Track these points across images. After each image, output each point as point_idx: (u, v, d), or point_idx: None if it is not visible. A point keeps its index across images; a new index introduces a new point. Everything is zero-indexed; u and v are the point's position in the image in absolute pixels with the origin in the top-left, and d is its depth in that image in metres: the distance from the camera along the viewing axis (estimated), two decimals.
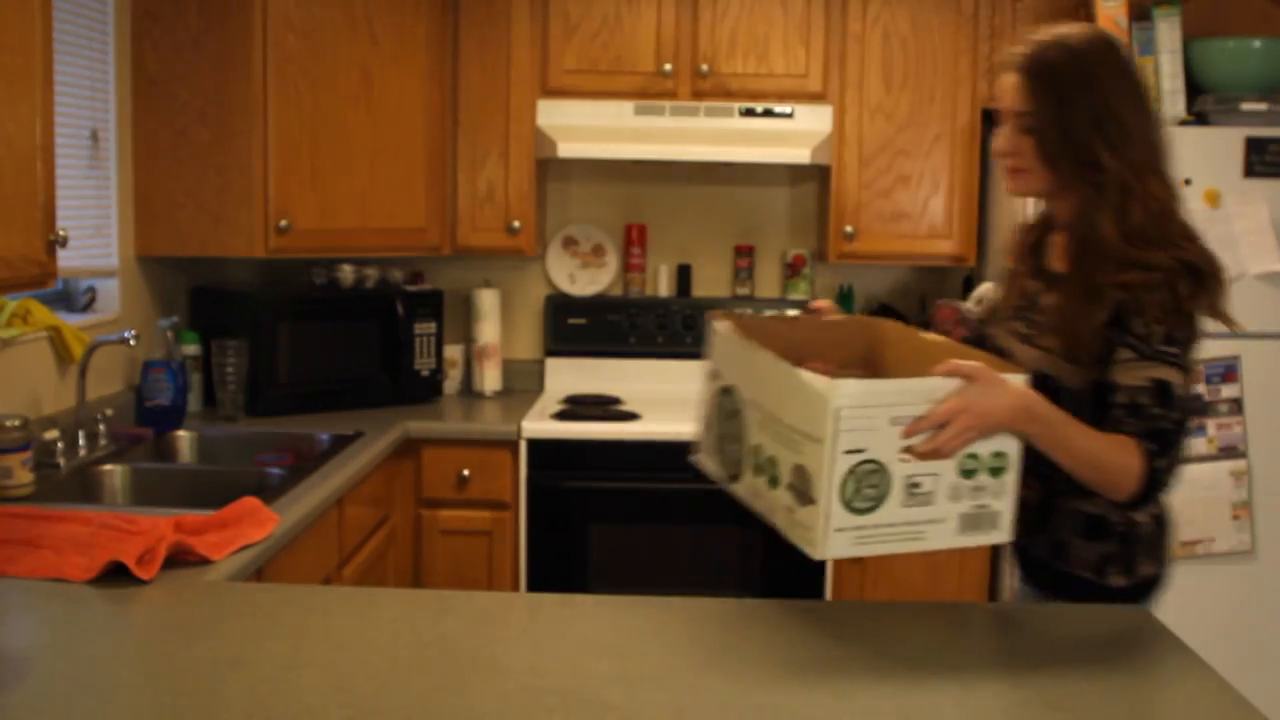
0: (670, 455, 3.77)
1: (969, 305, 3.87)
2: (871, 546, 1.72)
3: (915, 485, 1.73)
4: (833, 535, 1.68)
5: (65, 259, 3.11)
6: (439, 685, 1.58)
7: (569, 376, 4.39)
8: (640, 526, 3.80)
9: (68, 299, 3.54)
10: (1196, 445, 3.64)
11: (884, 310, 4.42)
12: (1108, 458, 1.90)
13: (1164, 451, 1.96)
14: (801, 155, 4.05)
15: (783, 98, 4.07)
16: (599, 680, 1.61)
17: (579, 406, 4.04)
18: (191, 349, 3.77)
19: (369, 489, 3.30)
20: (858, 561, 3.78)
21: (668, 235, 4.49)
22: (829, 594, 3.77)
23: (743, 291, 4.44)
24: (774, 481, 1.78)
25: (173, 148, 3.63)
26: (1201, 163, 3.60)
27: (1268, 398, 3.64)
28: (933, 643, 1.79)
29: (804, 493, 1.70)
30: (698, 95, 4.08)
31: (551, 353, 4.39)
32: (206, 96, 3.62)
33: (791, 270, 4.42)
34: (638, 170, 4.43)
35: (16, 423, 2.70)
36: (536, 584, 3.79)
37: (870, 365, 2.16)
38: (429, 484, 3.76)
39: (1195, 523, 3.65)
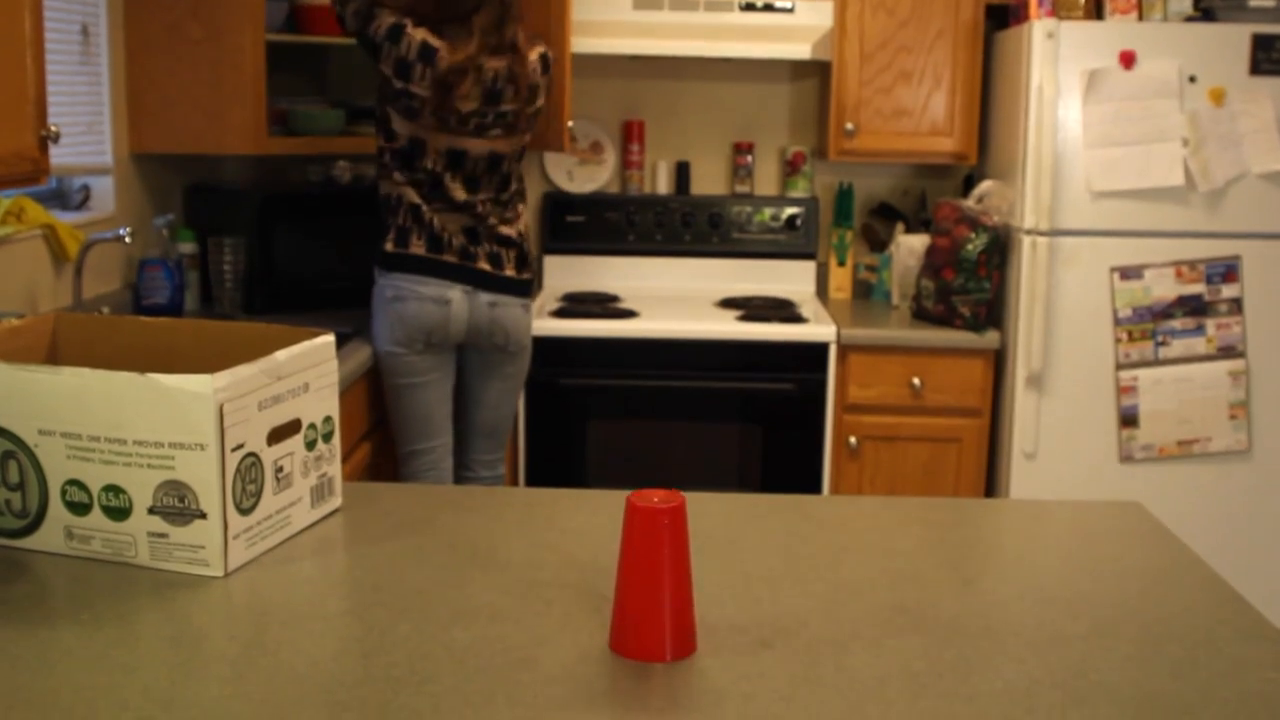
0: (668, 352, 3.78)
1: (970, 203, 3.85)
2: (257, 546, 1.65)
3: (280, 469, 1.68)
4: (232, 544, 1.59)
5: (58, 156, 3.09)
6: (437, 579, 1.59)
7: (567, 274, 4.38)
8: (638, 423, 3.82)
9: (62, 198, 3.51)
10: (1194, 345, 3.64)
11: (884, 209, 4.40)
12: None
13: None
14: (802, 51, 4.00)
15: None
16: (597, 573, 1.62)
17: (577, 304, 4.04)
18: (188, 247, 3.75)
19: (367, 386, 3.31)
20: (855, 459, 3.80)
21: (666, 132, 4.46)
22: (826, 490, 3.79)
23: (742, 189, 4.42)
24: (122, 513, 1.60)
25: (165, 43, 3.58)
26: (1207, 60, 3.56)
27: (1267, 298, 3.63)
28: (929, 538, 1.80)
29: (185, 510, 1.57)
30: None
31: (549, 250, 4.38)
32: None
33: (791, 168, 4.39)
34: (636, 66, 4.38)
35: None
36: (535, 480, 3.82)
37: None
38: None
39: (1192, 422, 3.66)
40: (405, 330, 3.22)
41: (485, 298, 3.27)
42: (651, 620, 1.37)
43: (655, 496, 1.38)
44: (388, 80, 3.14)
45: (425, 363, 3.28)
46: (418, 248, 3.21)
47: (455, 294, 3.24)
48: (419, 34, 3.11)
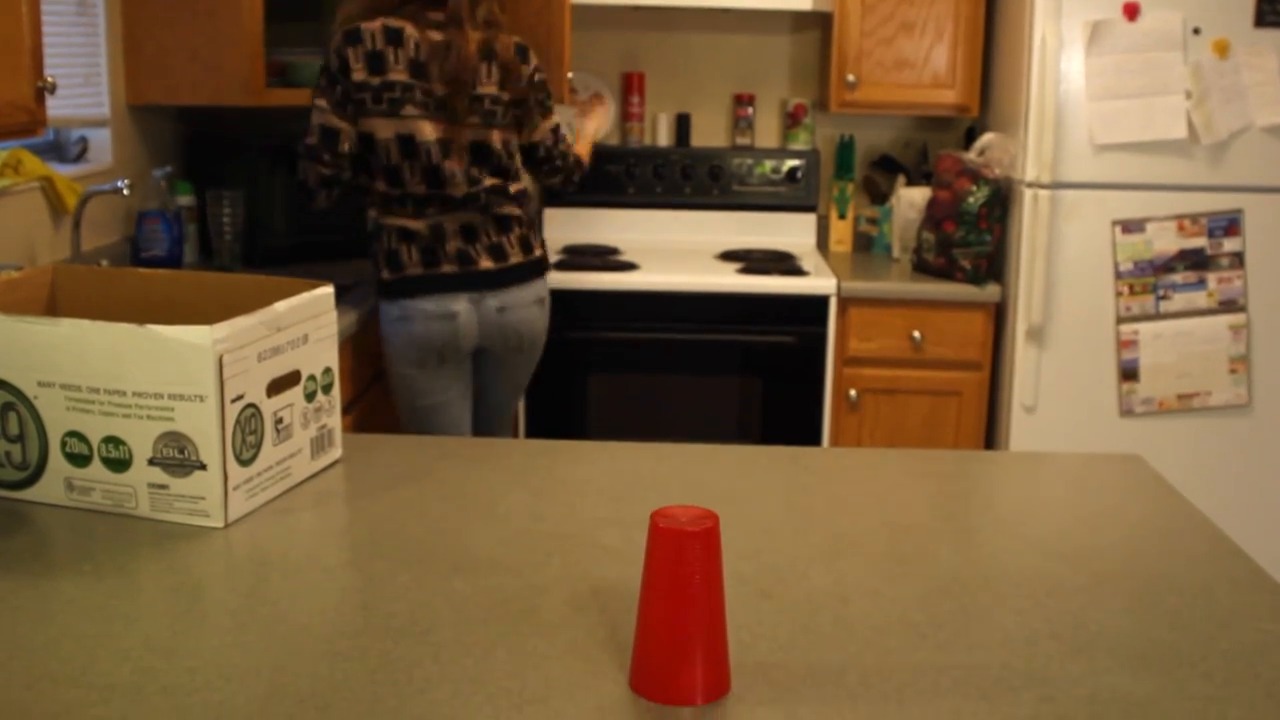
0: (668, 305, 3.77)
1: (971, 156, 3.83)
2: (257, 498, 1.65)
3: (280, 421, 1.68)
4: (232, 496, 1.59)
5: (55, 108, 3.08)
6: (438, 529, 1.59)
7: (566, 227, 4.37)
8: (639, 376, 3.82)
9: (59, 150, 3.50)
10: (1195, 299, 3.64)
11: (885, 161, 4.38)
12: None
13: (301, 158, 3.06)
14: (803, 1, 3.97)
15: None
16: (597, 524, 1.62)
17: (577, 257, 4.03)
18: (186, 199, 3.74)
19: (366, 339, 3.30)
20: (855, 412, 3.80)
21: (667, 84, 4.43)
22: (826, 443, 3.80)
23: (742, 141, 4.40)
24: (122, 464, 1.60)
25: None
26: (1211, 12, 3.53)
27: (1269, 252, 3.62)
28: (929, 490, 1.80)
29: (184, 461, 1.57)
30: None
31: (549, 203, 4.36)
32: None
33: (792, 120, 4.37)
34: (636, 17, 4.35)
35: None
36: (535, 433, 3.82)
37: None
38: None
39: (1192, 375, 3.66)
40: (417, 351, 3.09)
41: (493, 303, 3.12)
42: (681, 661, 1.17)
43: (684, 516, 1.17)
44: (364, 91, 2.97)
45: (442, 380, 3.15)
46: (414, 268, 3.06)
47: (460, 305, 3.09)
48: (376, 23, 2.97)
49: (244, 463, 1.61)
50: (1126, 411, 3.70)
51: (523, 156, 3.24)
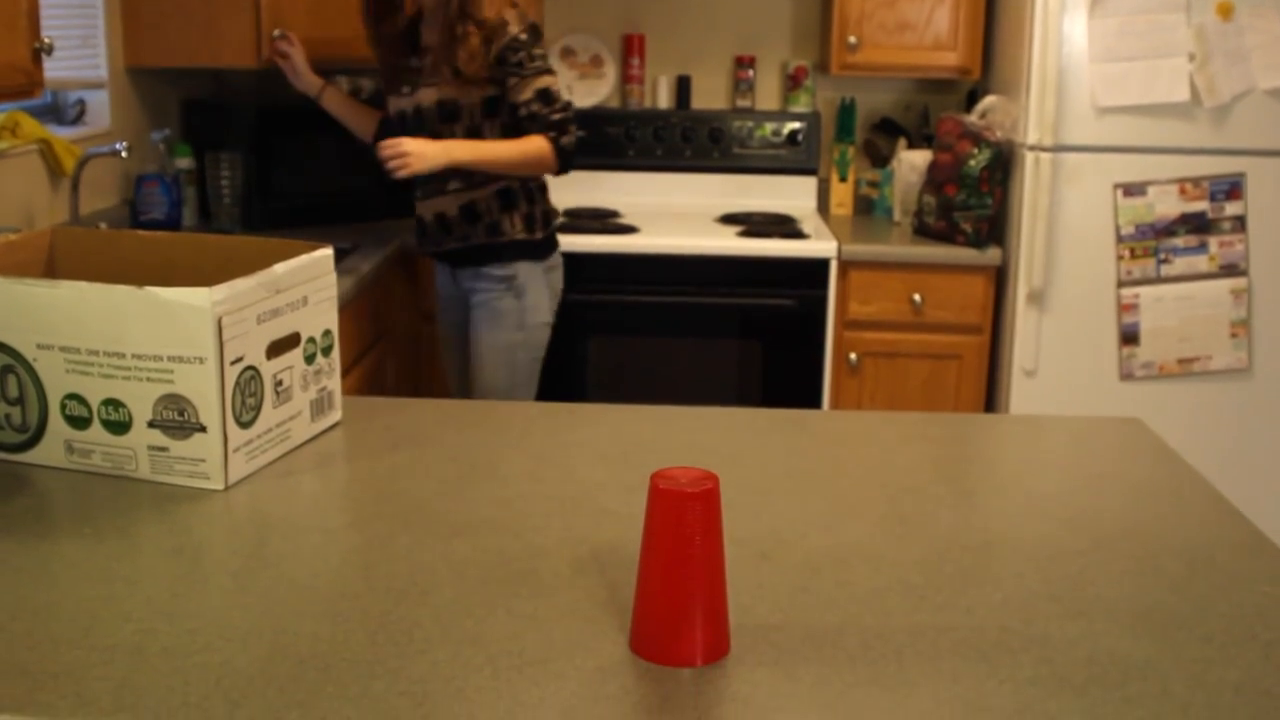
0: (669, 268, 3.76)
1: (973, 119, 3.81)
2: (257, 460, 1.65)
3: (279, 383, 1.68)
4: (232, 458, 1.59)
5: (52, 70, 3.05)
6: (438, 492, 1.59)
7: (567, 189, 4.35)
8: (639, 339, 3.81)
9: (57, 112, 3.49)
10: (1197, 263, 3.63)
11: (886, 124, 4.36)
12: (526, 151, 2.99)
13: (563, 133, 3.01)
14: None
15: None
16: (596, 487, 1.62)
17: (577, 220, 4.02)
18: (185, 162, 3.73)
19: (366, 302, 3.30)
20: (855, 375, 3.80)
21: (667, 46, 4.41)
22: (826, 406, 3.80)
23: (743, 104, 4.38)
24: (122, 427, 1.60)
25: None
26: None
27: (1271, 216, 3.61)
28: (929, 453, 1.80)
29: (184, 424, 1.57)
30: None
31: None
32: None
33: (793, 82, 4.35)
34: None
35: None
36: (535, 396, 3.82)
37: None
38: (428, 296, 3.76)
39: (1193, 340, 3.66)
40: (556, 299, 3.29)
41: None
42: (681, 622, 1.17)
43: (684, 478, 1.16)
44: (549, 71, 3.07)
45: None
46: (544, 227, 3.22)
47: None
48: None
49: (244, 425, 1.61)
50: (1127, 375, 3.69)
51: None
